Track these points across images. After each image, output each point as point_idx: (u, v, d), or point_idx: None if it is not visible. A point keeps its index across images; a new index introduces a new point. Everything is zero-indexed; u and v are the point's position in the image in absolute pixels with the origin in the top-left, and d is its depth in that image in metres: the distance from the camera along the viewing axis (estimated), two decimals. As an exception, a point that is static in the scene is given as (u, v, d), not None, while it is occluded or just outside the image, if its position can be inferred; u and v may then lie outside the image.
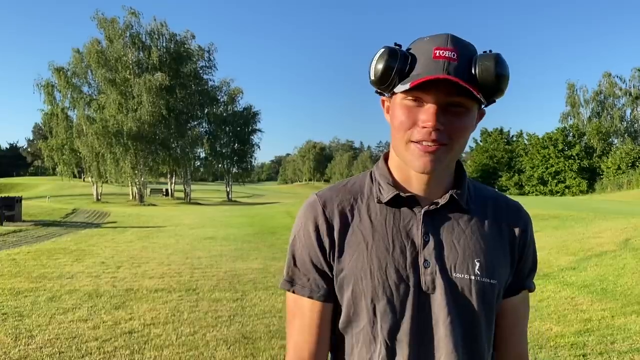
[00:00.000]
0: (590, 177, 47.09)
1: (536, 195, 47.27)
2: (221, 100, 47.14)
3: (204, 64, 43.01)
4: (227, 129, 48.02)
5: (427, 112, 0.88)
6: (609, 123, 51.19)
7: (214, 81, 45.53)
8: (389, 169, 1.02)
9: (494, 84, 0.88)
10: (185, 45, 40.85)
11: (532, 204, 18.52)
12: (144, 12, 55.91)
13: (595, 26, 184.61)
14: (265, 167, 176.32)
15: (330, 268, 0.98)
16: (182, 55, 39.87)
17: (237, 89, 48.00)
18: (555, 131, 49.72)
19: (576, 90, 53.60)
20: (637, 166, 42.51)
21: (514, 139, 57.35)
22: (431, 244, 0.95)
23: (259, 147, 51.57)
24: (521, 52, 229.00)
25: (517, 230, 1.02)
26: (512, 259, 1.01)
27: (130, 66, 37.03)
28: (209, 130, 46.74)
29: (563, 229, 11.26)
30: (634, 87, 51.48)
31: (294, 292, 1.01)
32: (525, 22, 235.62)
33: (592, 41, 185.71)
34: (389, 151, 1.04)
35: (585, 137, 50.21)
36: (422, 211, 0.96)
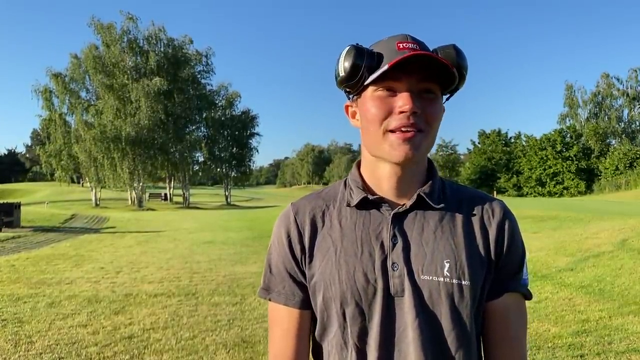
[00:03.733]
0: (588, 178, 47.13)
1: (534, 196, 47.31)
2: (219, 104, 47.20)
3: (201, 69, 43.11)
4: (226, 133, 48.07)
5: (403, 98, 0.89)
6: (606, 124, 51.29)
7: (211, 85, 45.67)
8: (360, 173, 1.02)
9: (458, 70, 0.92)
10: (183, 50, 40.89)
11: (530, 206, 18.53)
12: (142, 17, 56.05)
13: (593, 27, 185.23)
14: (263, 171, 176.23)
15: (304, 275, 0.99)
16: (179, 59, 39.91)
17: (235, 93, 48.11)
18: (553, 132, 49.79)
19: (574, 91, 53.74)
20: (635, 167, 42.57)
21: (512, 140, 57.39)
22: (399, 246, 0.94)
23: (257, 151, 51.65)
24: (519, 54, 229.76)
25: (495, 229, 0.97)
26: (489, 259, 0.96)
27: (128, 71, 37.06)
28: (208, 135, 46.77)
29: (561, 230, 11.28)
30: (631, 87, 51.61)
31: (270, 299, 1.02)
32: (523, 24, 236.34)
33: (590, 42, 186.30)
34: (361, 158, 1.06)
35: (583, 138, 50.28)
36: (392, 213, 0.95)
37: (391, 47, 0.92)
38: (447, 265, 0.92)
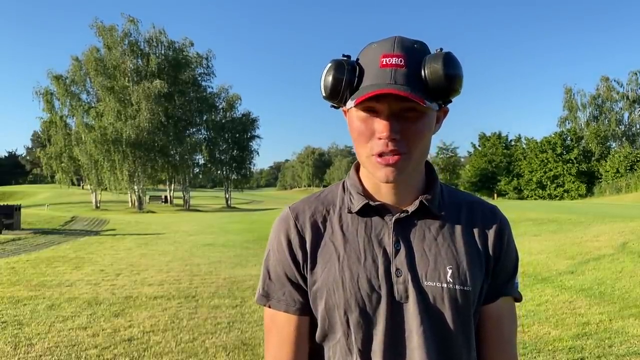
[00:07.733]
0: (589, 181, 47.11)
1: (535, 199, 47.30)
2: (220, 106, 47.29)
3: (202, 71, 43.21)
4: (226, 135, 48.13)
5: (381, 123, 0.86)
6: (606, 127, 51.27)
7: (212, 88, 45.81)
8: (359, 178, 1.01)
9: (445, 85, 0.86)
10: (184, 53, 40.98)
11: (530, 208, 18.54)
12: (143, 20, 56.05)
13: (592, 30, 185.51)
14: (264, 173, 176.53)
15: (305, 281, 0.97)
16: (180, 62, 39.99)
17: (235, 96, 48.19)
18: (554, 135, 49.78)
19: (574, 94, 53.72)
20: (636, 169, 42.55)
21: (513, 143, 57.38)
22: (402, 252, 0.93)
23: (257, 154, 51.73)
24: (519, 56, 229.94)
25: (492, 235, 0.99)
26: (487, 264, 0.97)
27: (129, 73, 37.14)
28: (208, 137, 46.82)
29: (561, 233, 11.27)
30: (631, 90, 51.59)
31: (269, 306, 1.00)
32: (523, 27, 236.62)
33: (590, 45, 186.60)
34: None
35: (583, 141, 50.28)
36: (393, 219, 0.95)
37: (375, 61, 0.87)
38: (449, 271, 0.93)
